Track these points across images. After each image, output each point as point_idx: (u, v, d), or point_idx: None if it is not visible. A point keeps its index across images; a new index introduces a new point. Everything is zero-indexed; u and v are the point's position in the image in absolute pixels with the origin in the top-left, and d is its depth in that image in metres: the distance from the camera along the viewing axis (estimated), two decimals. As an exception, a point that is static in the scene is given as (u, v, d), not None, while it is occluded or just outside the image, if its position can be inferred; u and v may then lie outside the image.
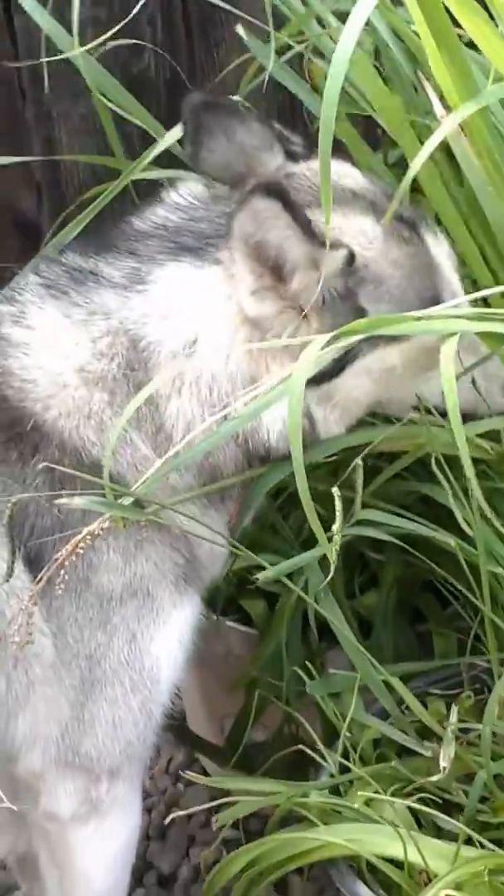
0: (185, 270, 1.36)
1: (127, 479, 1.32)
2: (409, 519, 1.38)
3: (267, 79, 1.53)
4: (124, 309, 1.36)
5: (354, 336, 1.18)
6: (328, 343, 1.16)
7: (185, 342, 1.32)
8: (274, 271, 1.30)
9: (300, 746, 1.40)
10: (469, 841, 1.24)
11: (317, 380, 1.31)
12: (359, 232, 1.38)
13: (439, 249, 1.44)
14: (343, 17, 1.18)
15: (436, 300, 1.37)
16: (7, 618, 1.27)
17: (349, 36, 1.10)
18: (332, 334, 1.17)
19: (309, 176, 1.40)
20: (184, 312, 1.33)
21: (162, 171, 1.60)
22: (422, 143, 1.21)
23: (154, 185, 1.53)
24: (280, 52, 1.56)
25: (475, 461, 1.23)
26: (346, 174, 1.45)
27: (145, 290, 1.36)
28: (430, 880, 1.22)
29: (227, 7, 1.57)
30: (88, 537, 1.22)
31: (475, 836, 1.23)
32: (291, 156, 1.43)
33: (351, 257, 1.34)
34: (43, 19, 1.56)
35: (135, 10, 1.54)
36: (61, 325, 1.37)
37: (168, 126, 1.52)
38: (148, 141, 1.57)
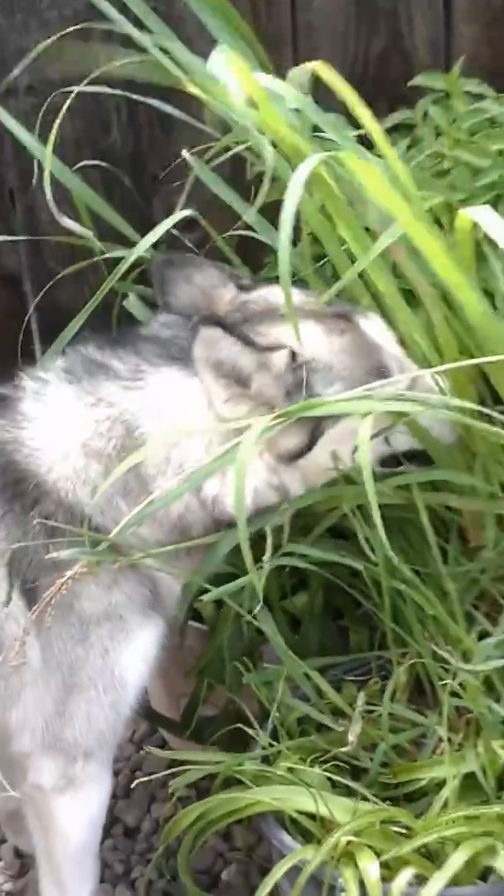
0: (174, 377, 1.65)
1: (107, 530, 1.63)
2: (327, 548, 1.72)
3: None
4: (125, 401, 1.65)
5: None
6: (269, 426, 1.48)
7: (172, 437, 1.61)
8: (237, 380, 1.60)
9: (239, 725, 1.75)
10: (368, 799, 1.59)
11: (295, 456, 1.61)
12: (302, 335, 1.60)
13: (374, 330, 1.72)
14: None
15: (383, 372, 1.67)
16: (5, 634, 1.59)
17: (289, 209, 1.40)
18: (264, 422, 1.48)
19: (258, 301, 1.71)
20: (173, 412, 1.63)
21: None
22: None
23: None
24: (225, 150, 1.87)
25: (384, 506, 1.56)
26: (279, 293, 1.65)
27: (143, 386, 1.65)
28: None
29: (182, 116, 1.88)
30: (71, 579, 1.55)
31: (370, 795, 1.58)
32: (243, 288, 1.73)
33: (293, 354, 1.62)
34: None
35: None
36: (73, 407, 1.67)
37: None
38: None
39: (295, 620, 1.98)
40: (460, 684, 1.67)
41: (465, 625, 1.73)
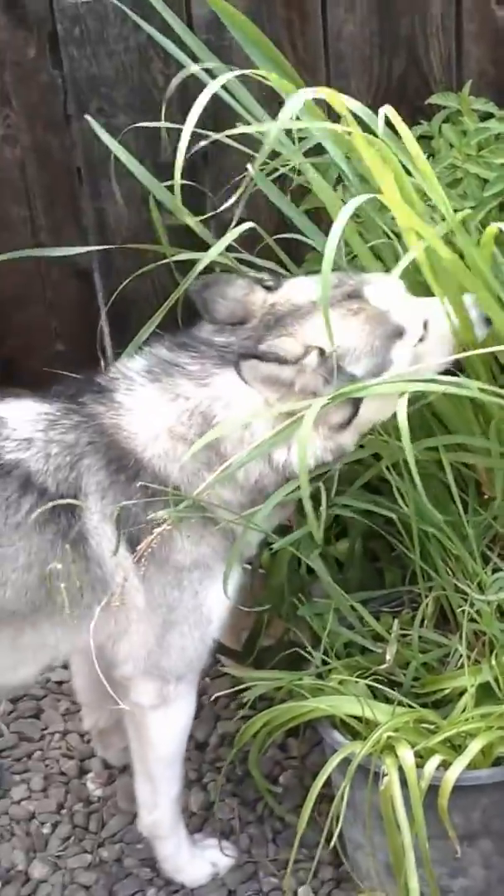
0: (235, 376, 1.94)
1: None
2: (366, 500, 2.09)
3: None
4: (199, 395, 1.98)
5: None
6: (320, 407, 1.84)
7: (242, 424, 1.94)
8: (282, 385, 1.92)
9: (295, 649, 2.13)
10: (403, 704, 1.96)
11: (343, 425, 1.95)
12: (321, 330, 1.88)
13: (382, 294, 2.00)
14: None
15: (399, 331, 1.98)
16: (116, 581, 1.97)
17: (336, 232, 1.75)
18: (324, 400, 1.84)
19: (284, 303, 2.00)
20: (239, 402, 1.95)
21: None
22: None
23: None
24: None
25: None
26: (307, 288, 2.01)
27: (211, 384, 1.97)
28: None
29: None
30: (163, 532, 1.92)
31: (406, 701, 1.95)
32: (270, 289, 2.03)
33: (321, 351, 1.93)
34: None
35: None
36: (158, 400, 2.00)
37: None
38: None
39: (338, 563, 2.35)
40: (477, 612, 2.04)
41: (481, 562, 2.09)
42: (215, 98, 2.12)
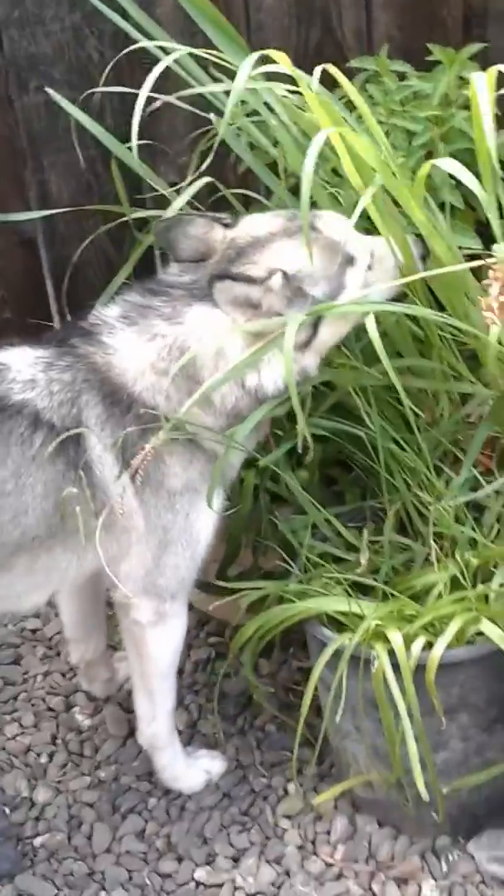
0: (204, 310, 2.17)
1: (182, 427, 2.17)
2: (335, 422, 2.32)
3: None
4: (174, 332, 2.17)
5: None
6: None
7: (215, 349, 2.15)
8: (250, 306, 2.13)
9: (278, 560, 2.35)
10: (386, 599, 2.21)
11: (305, 344, 2.15)
12: (284, 255, 2.15)
13: (333, 227, 2.19)
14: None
15: (351, 258, 2.18)
16: (118, 502, 2.16)
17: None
18: (301, 317, 2.06)
19: (243, 236, 2.20)
20: (210, 333, 2.15)
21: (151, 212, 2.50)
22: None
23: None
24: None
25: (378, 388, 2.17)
26: (264, 223, 2.23)
27: (184, 321, 2.17)
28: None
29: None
30: (151, 450, 2.12)
31: (389, 592, 2.20)
32: (228, 226, 2.23)
33: (284, 274, 2.14)
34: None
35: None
36: (138, 341, 2.19)
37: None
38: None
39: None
40: (436, 518, 2.29)
41: (435, 475, 2.35)
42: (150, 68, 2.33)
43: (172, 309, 2.21)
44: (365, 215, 2.11)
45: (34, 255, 2.85)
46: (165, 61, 2.25)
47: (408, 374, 2.34)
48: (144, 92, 2.20)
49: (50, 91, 2.51)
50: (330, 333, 2.21)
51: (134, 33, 2.44)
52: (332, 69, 2.15)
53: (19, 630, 2.92)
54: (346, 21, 2.74)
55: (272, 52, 2.14)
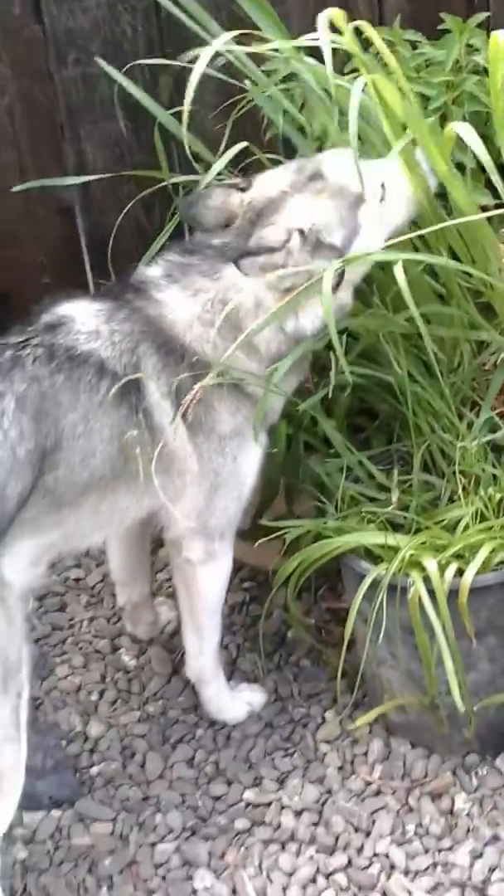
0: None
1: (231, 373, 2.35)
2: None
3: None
4: (214, 287, 2.33)
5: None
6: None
7: (254, 300, 2.32)
8: (279, 268, 2.26)
9: (312, 505, 2.51)
10: (419, 531, 2.37)
11: (336, 285, 2.26)
12: (297, 212, 2.29)
13: (339, 169, 2.32)
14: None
15: (359, 198, 2.30)
16: (175, 446, 2.32)
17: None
18: (336, 267, 2.21)
19: (259, 198, 2.34)
20: (249, 287, 2.30)
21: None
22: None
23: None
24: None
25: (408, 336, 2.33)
26: (275, 178, 2.37)
27: (222, 276, 2.32)
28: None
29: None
30: (200, 391, 2.29)
31: (422, 523, 2.37)
32: (243, 190, 2.38)
33: (301, 232, 2.26)
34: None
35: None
36: (183, 296, 2.35)
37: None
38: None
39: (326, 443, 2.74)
40: (462, 457, 2.46)
41: (457, 418, 2.51)
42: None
43: (210, 266, 2.37)
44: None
45: (72, 223, 3.01)
46: (214, 46, 2.36)
47: (430, 324, 2.50)
48: (204, 59, 2.31)
49: (101, 62, 2.67)
50: (356, 272, 2.36)
51: (169, 6, 2.57)
52: (367, 27, 2.30)
53: (63, 580, 3.07)
54: (360, -3, 2.89)
55: (333, 11, 2.28)
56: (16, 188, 2.76)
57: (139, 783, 2.60)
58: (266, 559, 2.91)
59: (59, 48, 2.81)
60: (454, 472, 2.48)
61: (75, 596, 3.04)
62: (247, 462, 2.42)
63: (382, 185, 2.36)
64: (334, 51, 2.26)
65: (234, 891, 2.38)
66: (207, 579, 2.50)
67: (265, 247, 2.30)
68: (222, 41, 2.36)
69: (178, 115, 2.63)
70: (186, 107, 2.29)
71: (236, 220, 2.38)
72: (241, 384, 2.35)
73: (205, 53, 2.31)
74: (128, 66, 2.69)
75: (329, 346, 2.42)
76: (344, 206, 2.34)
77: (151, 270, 2.43)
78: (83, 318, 2.34)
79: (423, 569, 2.28)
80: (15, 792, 2.24)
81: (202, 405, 2.32)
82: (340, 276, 2.31)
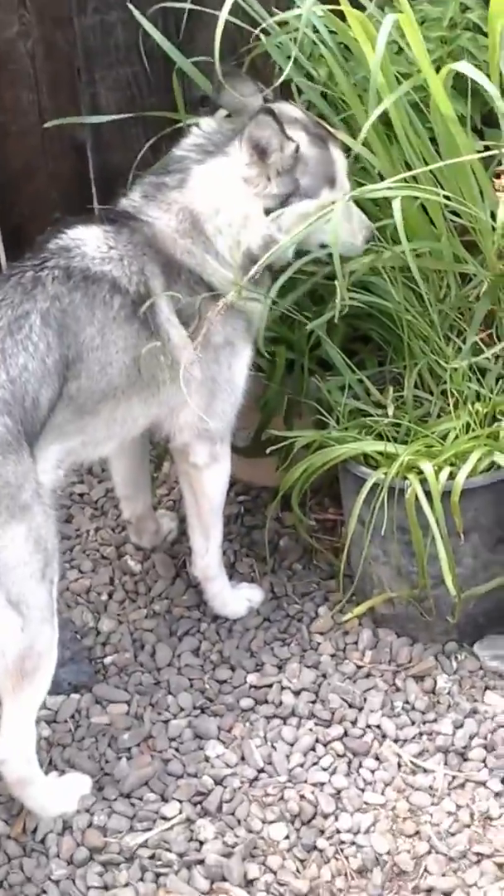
0: (208, 165, 2.59)
1: (213, 282, 2.63)
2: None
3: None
4: (181, 199, 2.61)
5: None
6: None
7: (213, 207, 2.58)
8: (261, 152, 2.52)
9: (319, 410, 2.78)
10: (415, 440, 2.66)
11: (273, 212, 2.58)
12: (298, 138, 2.57)
13: (336, 153, 2.68)
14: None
15: (332, 178, 2.65)
16: (180, 356, 2.58)
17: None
18: (347, 198, 2.52)
19: (273, 109, 2.60)
20: (211, 191, 2.58)
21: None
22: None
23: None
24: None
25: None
26: (292, 110, 2.67)
27: (187, 185, 2.59)
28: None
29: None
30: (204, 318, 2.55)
31: (419, 430, 2.66)
32: (266, 100, 2.64)
33: (297, 149, 2.55)
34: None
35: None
36: (159, 211, 2.62)
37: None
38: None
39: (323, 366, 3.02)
40: (449, 377, 2.75)
41: (445, 343, 2.80)
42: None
43: (178, 178, 2.64)
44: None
45: (83, 160, 3.24)
46: None
47: (419, 258, 2.78)
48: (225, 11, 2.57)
49: (132, 8, 2.89)
50: (292, 220, 2.61)
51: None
52: None
53: (68, 494, 3.31)
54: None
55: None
56: (47, 124, 2.98)
57: (150, 670, 2.86)
58: (259, 475, 3.21)
59: (81, -4, 3.03)
60: (443, 392, 2.77)
61: (80, 509, 3.29)
62: (238, 368, 2.70)
63: (349, 205, 2.63)
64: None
65: (242, 758, 2.66)
66: (212, 480, 2.78)
67: (283, 124, 2.54)
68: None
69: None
70: (216, 51, 2.53)
71: (243, 119, 2.62)
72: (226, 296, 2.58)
73: (225, 6, 2.56)
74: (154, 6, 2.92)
75: (328, 277, 2.72)
76: (322, 172, 2.63)
77: (133, 194, 2.70)
78: (93, 242, 2.58)
79: (419, 472, 2.57)
80: (51, 668, 2.49)
81: (199, 318, 2.58)
82: (280, 206, 2.59)
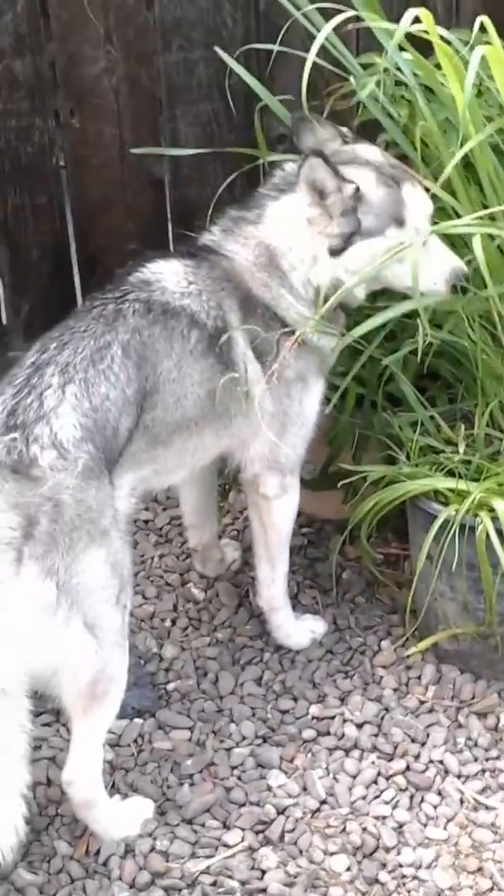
0: (281, 202, 2.66)
1: (287, 317, 2.68)
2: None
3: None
4: (258, 233, 2.67)
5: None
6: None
7: (288, 244, 2.65)
8: (320, 193, 2.57)
9: (389, 452, 2.81)
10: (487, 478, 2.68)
11: (338, 251, 2.64)
12: (364, 179, 2.61)
13: (411, 194, 2.66)
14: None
15: (400, 218, 2.66)
16: (256, 392, 2.62)
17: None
18: (423, 239, 2.55)
19: (348, 151, 2.67)
20: (284, 228, 2.65)
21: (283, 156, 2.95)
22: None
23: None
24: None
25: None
26: (368, 151, 2.70)
27: (264, 220, 2.66)
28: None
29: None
30: (287, 351, 2.60)
31: (491, 466, 2.68)
32: (346, 142, 2.71)
33: (357, 189, 2.58)
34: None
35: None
36: (238, 245, 2.69)
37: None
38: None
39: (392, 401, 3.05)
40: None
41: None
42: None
43: (257, 213, 2.71)
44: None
45: (161, 195, 3.30)
46: (329, 25, 2.67)
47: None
48: (314, 51, 2.63)
49: (218, 50, 2.96)
50: (358, 260, 2.64)
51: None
52: (487, 21, 2.63)
53: (133, 521, 3.35)
54: (437, 3, 3.20)
55: (420, 11, 2.59)
56: (134, 150, 3.12)
57: (212, 698, 2.88)
58: (323, 508, 3.24)
59: (166, 35, 3.10)
60: (513, 432, 2.80)
61: (145, 536, 3.33)
62: (309, 403, 2.74)
63: (425, 242, 2.65)
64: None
65: (304, 788, 2.68)
66: (281, 511, 2.82)
67: (335, 165, 2.58)
68: (326, 31, 2.66)
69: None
70: (304, 90, 2.59)
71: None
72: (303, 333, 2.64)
73: (316, 42, 2.61)
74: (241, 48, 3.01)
75: (407, 316, 2.76)
76: (389, 213, 2.65)
77: (214, 228, 2.76)
78: (174, 276, 2.64)
79: (490, 510, 2.59)
80: (121, 692, 2.52)
81: (272, 348, 2.64)
82: (344, 245, 2.63)
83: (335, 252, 2.65)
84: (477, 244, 2.53)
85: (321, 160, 2.58)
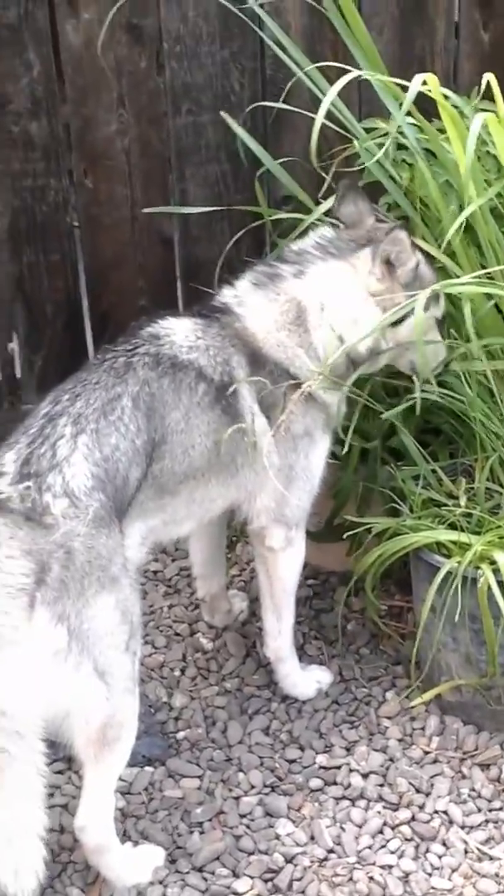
0: (329, 265, 2.76)
1: (299, 374, 2.75)
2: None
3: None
4: (293, 288, 2.76)
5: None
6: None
7: (322, 303, 2.74)
8: (389, 265, 2.72)
9: (392, 504, 2.88)
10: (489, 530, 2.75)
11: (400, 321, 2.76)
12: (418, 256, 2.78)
13: (426, 269, 2.82)
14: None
15: (437, 295, 2.78)
16: (262, 445, 2.69)
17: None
18: (426, 294, 2.62)
19: (385, 230, 2.77)
20: (325, 290, 2.75)
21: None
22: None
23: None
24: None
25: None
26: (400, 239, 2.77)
27: (306, 275, 2.76)
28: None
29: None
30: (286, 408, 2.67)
31: (492, 520, 2.74)
32: (378, 220, 2.83)
33: (417, 264, 2.76)
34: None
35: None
36: (265, 300, 2.77)
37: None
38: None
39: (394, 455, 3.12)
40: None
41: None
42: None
43: (296, 269, 2.79)
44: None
45: (170, 253, 3.39)
46: (338, 84, 2.75)
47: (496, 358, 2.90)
48: (321, 113, 2.71)
49: (225, 115, 3.06)
50: (407, 333, 2.78)
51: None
52: (494, 82, 2.72)
53: (143, 572, 3.42)
54: (438, 66, 3.30)
55: (428, 75, 2.69)
56: (147, 210, 3.22)
57: (222, 747, 2.93)
58: (328, 560, 3.30)
59: (176, 99, 3.20)
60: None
61: (154, 586, 3.39)
62: (315, 458, 2.82)
63: (438, 320, 2.82)
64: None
65: (312, 837, 2.72)
66: (286, 563, 2.88)
67: (415, 243, 2.74)
68: (337, 89, 2.75)
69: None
70: (314, 152, 2.68)
71: (360, 230, 2.82)
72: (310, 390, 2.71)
73: (325, 101, 2.70)
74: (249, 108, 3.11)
75: (398, 373, 2.84)
76: (428, 281, 2.79)
77: (239, 283, 2.84)
78: (183, 332, 2.72)
79: (492, 562, 2.65)
80: (131, 738, 2.57)
81: (279, 403, 2.71)
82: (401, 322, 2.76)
83: (396, 322, 2.74)
84: (467, 306, 2.62)
85: (405, 235, 2.72)
